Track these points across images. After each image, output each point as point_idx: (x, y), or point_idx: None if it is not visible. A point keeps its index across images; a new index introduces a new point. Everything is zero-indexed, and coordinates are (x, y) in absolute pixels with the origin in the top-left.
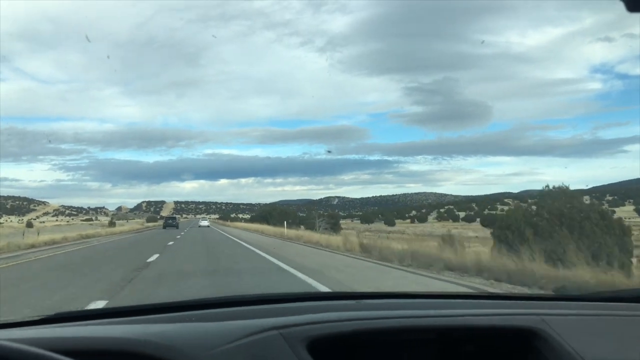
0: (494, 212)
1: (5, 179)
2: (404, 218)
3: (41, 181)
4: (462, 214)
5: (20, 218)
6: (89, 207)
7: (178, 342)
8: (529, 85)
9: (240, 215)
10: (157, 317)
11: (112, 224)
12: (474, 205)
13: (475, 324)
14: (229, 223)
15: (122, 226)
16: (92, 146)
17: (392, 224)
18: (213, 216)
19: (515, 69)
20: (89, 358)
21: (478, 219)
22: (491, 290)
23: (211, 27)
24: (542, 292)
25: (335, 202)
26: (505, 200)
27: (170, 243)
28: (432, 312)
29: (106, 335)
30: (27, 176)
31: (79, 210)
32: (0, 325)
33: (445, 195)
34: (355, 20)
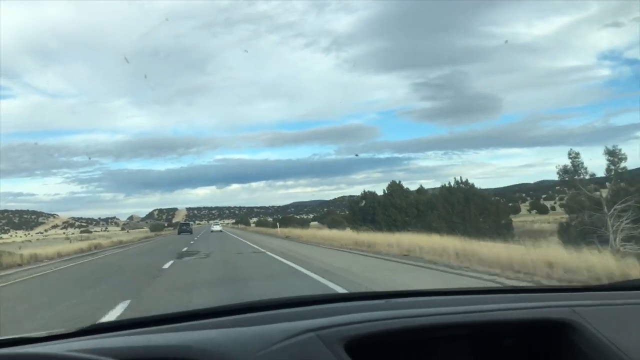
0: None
1: (21, 194)
2: None
3: (55, 194)
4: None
5: (27, 232)
6: (99, 218)
7: (222, 347)
8: (538, 75)
9: (254, 220)
10: (192, 324)
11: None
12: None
13: (506, 319)
14: (259, 229)
15: (107, 238)
16: (104, 157)
17: None
18: (227, 221)
19: (524, 59)
20: None
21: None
22: (518, 284)
23: (216, 34)
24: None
25: (346, 201)
26: (557, 188)
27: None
28: (462, 308)
29: (155, 344)
30: (42, 190)
31: (89, 222)
32: (43, 338)
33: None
34: (360, 19)
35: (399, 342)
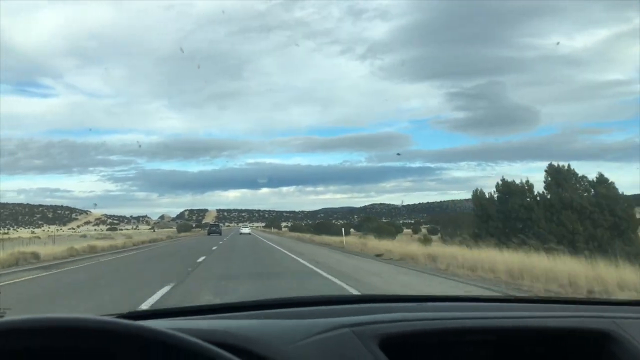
0: None
1: (58, 190)
2: None
3: (91, 192)
4: None
5: (60, 227)
6: (131, 216)
7: (263, 335)
8: (576, 88)
9: (285, 224)
10: (237, 315)
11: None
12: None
13: (544, 326)
14: (294, 235)
15: (133, 236)
16: (139, 157)
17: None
18: (256, 224)
19: (562, 71)
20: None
21: None
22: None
23: (252, 39)
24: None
25: (377, 209)
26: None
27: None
28: (498, 314)
29: (204, 327)
30: (78, 187)
31: (120, 219)
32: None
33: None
34: (396, 27)
35: (430, 344)
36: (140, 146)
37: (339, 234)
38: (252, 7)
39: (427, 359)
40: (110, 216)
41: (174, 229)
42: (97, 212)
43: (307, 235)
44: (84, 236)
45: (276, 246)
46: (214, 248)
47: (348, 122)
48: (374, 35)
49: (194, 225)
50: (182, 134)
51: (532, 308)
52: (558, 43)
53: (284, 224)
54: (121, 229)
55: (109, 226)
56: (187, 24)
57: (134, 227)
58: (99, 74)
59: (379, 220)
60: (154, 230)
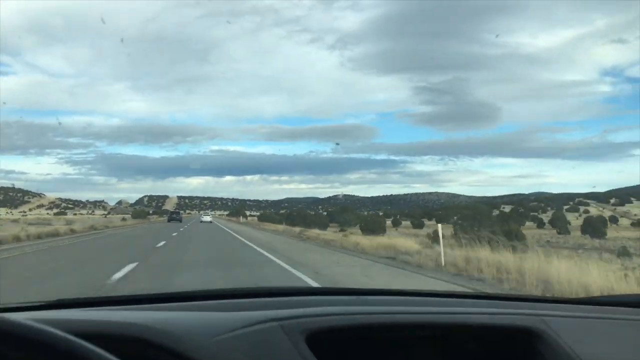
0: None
1: (12, 172)
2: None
3: (47, 174)
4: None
5: (10, 210)
6: (87, 201)
7: (178, 329)
8: (538, 86)
9: (249, 213)
10: (159, 306)
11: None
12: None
13: (475, 322)
14: (253, 223)
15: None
16: (99, 140)
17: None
18: (219, 212)
19: (526, 70)
20: (92, 342)
21: None
22: (491, 290)
23: (221, 24)
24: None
25: (340, 199)
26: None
27: None
28: (431, 309)
29: (107, 319)
30: (34, 169)
31: (75, 204)
32: (4, 309)
33: (458, 195)
34: (367, 18)
35: (363, 339)
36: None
37: (319, 225)
38: None
39: (364, 354)
40: (65, 200)
41: (129, 215)
42: (52, 195)
43: (280, 227)
44: (16, 221)
45: (247, 242)
46: (159, 245)
47: (315, 112)
48: (344, 25)
49: (150, 212)
50: (145, 118)
51: (465, 304)
52: (497, 36)
53: (248, 212)
54: (75, 214)
55: (57, 210)
56: (155, 4)
57: (90, 212)
58: (61, 53)
59: (356, 212)
60: (105, 217)
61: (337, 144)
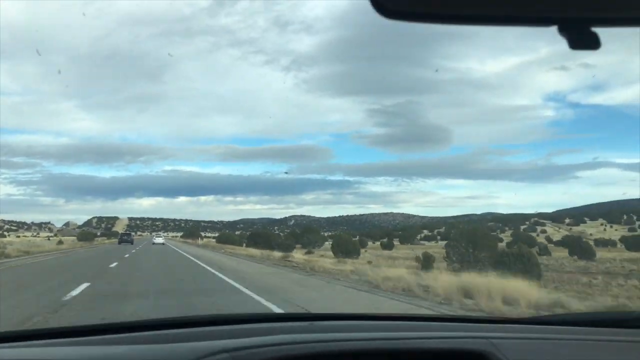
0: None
1: None
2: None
3: None
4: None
5: None
6: (32, 222)
7: None
8: (487, 110)
9: (204, 234)
10: (102, 339)
11: None
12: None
13: (426, 347)
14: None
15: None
16: (45, 160)
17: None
18: (172, 234)
19: (475, 94)
20: None
21: None
22: (443, 311)
23: (175, 43)
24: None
25: (292, 223)
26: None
27: None
28: (383, 334)
29: (54, 358)
30: None
31: (19, 225)
32: None
33: (412, 216)
34: (321, 42)
35: None
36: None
37: (284, 247)
38: (177, 9)
39: None
40: (9, 222)
41: (73, 238)
42: None
43: (254, 251)
44: None
45: (214, 272)
46: (112, 265)
47: (270, 133)
48: (299, 47)
49: (98, 234)
50: (94, 137)
51: (418, 327)
52: (437, 70)
53: (203, 234)
54: (18, 236)
55: (7, 232)
56: (107, 22)
57: (35, 234)
58: (6, 69)
59: (318, 232)
60: (49, 239)
61: (287, 172)
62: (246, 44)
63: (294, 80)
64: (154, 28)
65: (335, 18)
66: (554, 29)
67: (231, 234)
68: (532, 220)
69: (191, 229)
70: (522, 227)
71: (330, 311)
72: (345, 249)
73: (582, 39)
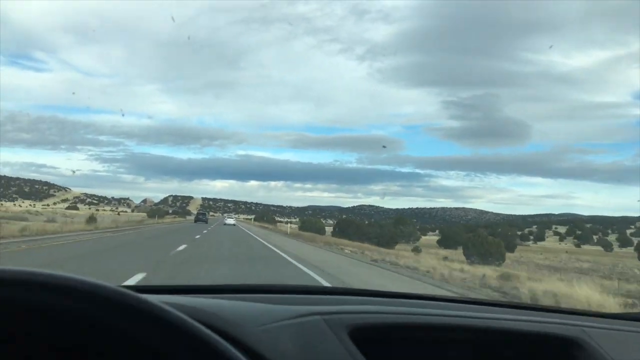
0: None
1: (44, 166)
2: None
3: (77, 170)
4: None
5: (33, 203)
6: (112, 197)
7: (231, 315)
8: (570, 107)
9: (280, 219)
10: (211, 296)
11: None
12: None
13: (515, 328)
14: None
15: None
16: (128, 140)
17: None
18: (242, 216)
19: (558, 89)
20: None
21: None
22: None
23: (253, 30)
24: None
25: (366, 210)
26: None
27: None
28: (472, 314)
29: (201, 305)
30: (65, 164)
31: (100, 200)
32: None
33: (486, 212)
34: (398, 31)
35: (403, 338)
36: (123, 115)
37: (383, 241)
38: None
39: (403, 354)
40: (90, 195)
41: (144, 215)
42: (77, 190)
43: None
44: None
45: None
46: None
47: (341, 122)
48: (375, 37)
49: (169, 212)
50: (174, 120)
51: (504, 312)
52: (551, 46)
53: (280, 219)
54: (97, 210)
55: (89, 205)
56: (189, 9)
57: (114, 208)
58: (96, 53)
59: (413, 225)
60: (118, 214)
61: (384, 146)
62: (322, 32)
63: (368, 70)
64: (233, 16)
65: (413, 7)
66: None
67: (317, 220)
68: (637, 224)
69: (262, 213)
70: (629, 231)
71: None
72: (484, 251)
73: None
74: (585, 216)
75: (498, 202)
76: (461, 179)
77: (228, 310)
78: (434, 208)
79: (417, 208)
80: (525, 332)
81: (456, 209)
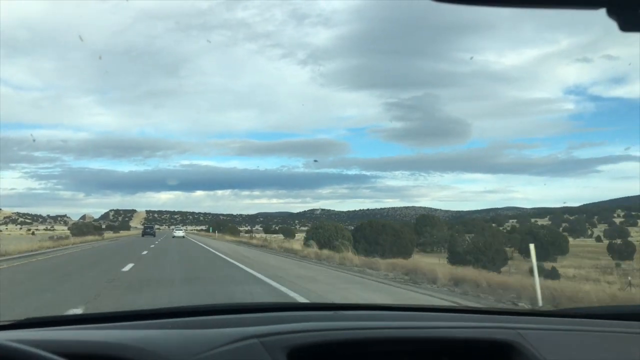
0: None
1: None
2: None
3: (12, 189)
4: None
5: None
6: (48, 215)
7: (160, 348)
8: (506, 104)
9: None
10: (136, 324)
11: None
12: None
13: (452, 336)
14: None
15: None
16: (65, 154)
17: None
18: (190, 227)
19: (493, 87)
20: None
21: None
22: (468, 304)
23: (192, 37)
24: (518, 307)
25: (318, 214)
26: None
27: None
28: (409, 323)
29: (87, 339)
30: None
31: (34, 218)
32: None
33: (434, 210)
34: (338, 35)
35: (344, 355)
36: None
37: (399, 250)
38: (193, 4)
39: None
40: (23, 215)
41: (67, 232)
42: (7, 210)
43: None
44: None
45: None
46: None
47: (286, 127)
48: (315, 41)
49: (103, 227)
50: (113, 132)
51: (443, 318)
52: (471, 58)
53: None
54: (28, 229)
55: (20, 225)
56: (124, 17)
57: (49, 227)
58: (27, 66)
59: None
60: (33, 234)
61: (315, 161)
62: (263, 38)
63: (310, 74)
64: (171, 23)
65: (352, 11)
66: (602, 12)
67: (288, 227)
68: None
69: (219, 223)
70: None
71: None
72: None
73: (632, 20)
74: (528, 209)
75: (442, 199)
76: (406, 179)
77: (153, 340)
78: (384, 208)
79: (367, 209)
80: (462, 339)
81: (406, 207)
